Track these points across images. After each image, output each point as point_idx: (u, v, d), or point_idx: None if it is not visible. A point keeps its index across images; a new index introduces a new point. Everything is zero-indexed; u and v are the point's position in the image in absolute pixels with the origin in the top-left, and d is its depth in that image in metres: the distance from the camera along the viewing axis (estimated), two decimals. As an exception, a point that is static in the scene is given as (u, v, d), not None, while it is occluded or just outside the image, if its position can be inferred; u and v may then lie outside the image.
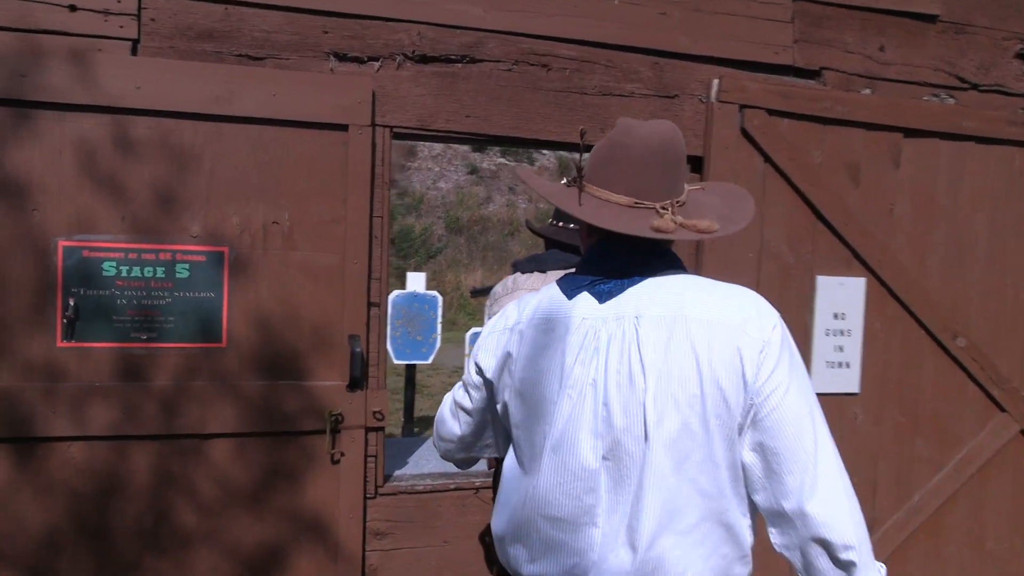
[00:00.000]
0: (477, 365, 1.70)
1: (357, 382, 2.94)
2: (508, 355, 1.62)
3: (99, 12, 2.73)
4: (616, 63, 3.27)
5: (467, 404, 1.76)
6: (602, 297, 1.53)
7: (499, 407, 1.67)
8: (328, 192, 2.94)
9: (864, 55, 3.55)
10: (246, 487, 2.89)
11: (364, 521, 3.03)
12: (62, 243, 2.70)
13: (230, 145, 2.84)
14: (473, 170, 20.23)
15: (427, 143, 19.38)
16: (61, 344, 2.71)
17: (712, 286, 1.51)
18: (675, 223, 1.50)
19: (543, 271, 2.60)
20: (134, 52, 2.78)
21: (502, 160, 20.65)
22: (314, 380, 2.94)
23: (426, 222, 18.33)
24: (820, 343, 3.50)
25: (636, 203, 1.52)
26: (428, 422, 8.03)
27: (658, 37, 3.29)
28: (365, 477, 3.01)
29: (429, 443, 3.73)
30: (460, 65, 3.10)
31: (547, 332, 1.57)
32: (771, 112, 3.34)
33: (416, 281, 7.59)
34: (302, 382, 2.93)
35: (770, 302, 1.53)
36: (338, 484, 2.97)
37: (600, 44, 3.24)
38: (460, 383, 1.79)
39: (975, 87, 3.71)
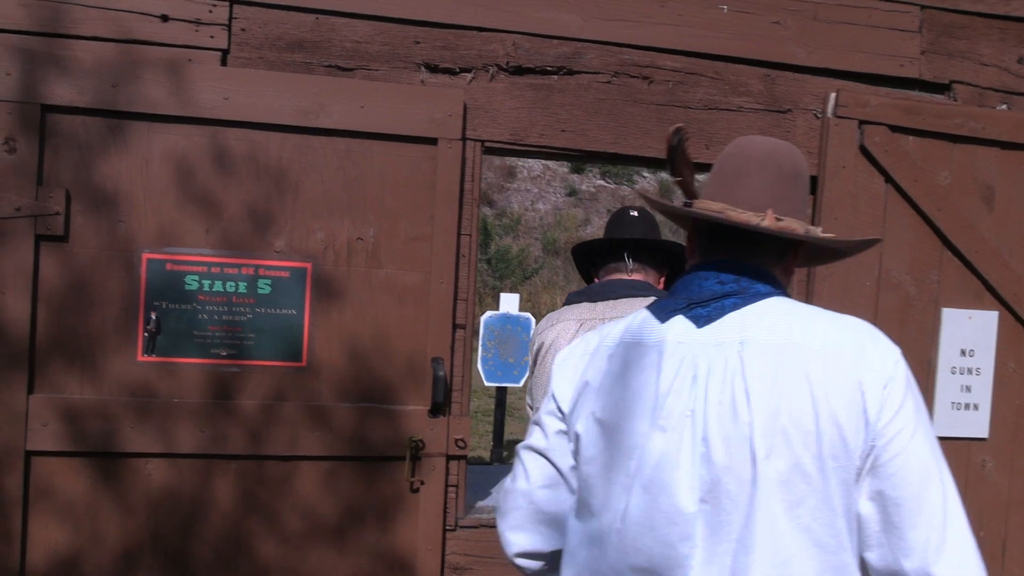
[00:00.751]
0: (553, 395, 1.51)
1: (439, 407, 2.80)
2: (586, 384, 1.44)
3: (190, 22, 2.69)
4: (723, 75, 3.06)
5: (540, 443, 1.52)
6: (700, 321, 1.35)
7: (570, 443, 1.49)
8: (415, 208, 2.82)
9: (1001, 67, 3.23)
10: (321, 511, 2.78)
11: (443, 555, 2.88)
12: (146, 255, 2.66)
13: (317, 158, 2.76)
14: (572, 192, 20.09)
15: (526, 164, 19.38)
16: (141, 358, 2.66)
17: (823, 313, 1.35)
18: (751, 220, 1.36)
19: (593, 301, 2.38)
20: (224, 62, 2.73)
21: (601, 182, 20.46)
22: (394, 404, 2.82)
23: (523, 243, 18.27)
24: (944, 382, 3.19)
25: (726, 209, 1.40)
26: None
27: (770, 48, 3.06)
28: (445, 508, 2.86)
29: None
30: (556, 77, 2.95)
31: (636, 358, 1.39)
32: (894, 129, 3.07)
33: (509, 302, 7.47)
34: (382, 405, 2.80)
35: (888, 335, 1.35)
36: (417, 514, 2.83)
37: (706, 55, 3.04)
38: (530, 427, 1.57)
39: None
